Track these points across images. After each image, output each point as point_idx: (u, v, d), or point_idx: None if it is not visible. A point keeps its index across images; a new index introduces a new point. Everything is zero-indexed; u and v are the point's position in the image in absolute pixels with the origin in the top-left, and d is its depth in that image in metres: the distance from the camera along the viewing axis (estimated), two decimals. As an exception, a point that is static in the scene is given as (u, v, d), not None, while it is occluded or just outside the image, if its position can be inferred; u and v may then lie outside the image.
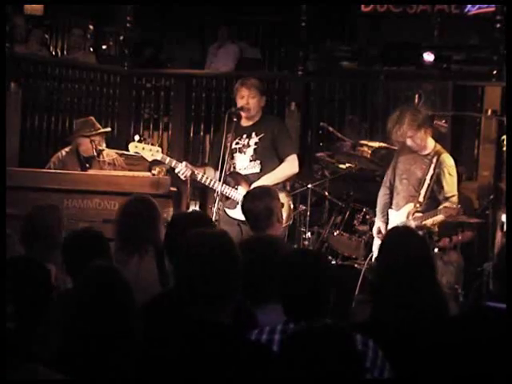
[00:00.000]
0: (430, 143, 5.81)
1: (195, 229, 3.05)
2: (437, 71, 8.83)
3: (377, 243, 5.91)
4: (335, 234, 7.01)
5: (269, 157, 5.95)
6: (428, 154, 5.75)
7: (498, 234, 6.86)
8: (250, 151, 5.99)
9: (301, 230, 6.93)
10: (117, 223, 4.47)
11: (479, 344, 2.76)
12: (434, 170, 5.68)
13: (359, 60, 9.59)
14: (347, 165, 7.10)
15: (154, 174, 6.53)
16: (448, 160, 5.79)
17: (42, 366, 2.51)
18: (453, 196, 5.78)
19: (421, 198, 5.67)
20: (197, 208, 7.05)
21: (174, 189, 6.58)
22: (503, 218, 6.43)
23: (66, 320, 2.87)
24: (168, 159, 5.98)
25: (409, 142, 5.74)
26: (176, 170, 5.94)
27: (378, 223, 5.98)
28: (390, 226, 5.74)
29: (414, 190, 5.74)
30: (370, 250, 7.10)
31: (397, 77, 8.87)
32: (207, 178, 5.92)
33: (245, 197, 4.97)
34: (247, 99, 5.96)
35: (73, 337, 2.78)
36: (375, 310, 3.38)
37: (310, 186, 6.88)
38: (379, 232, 5.90)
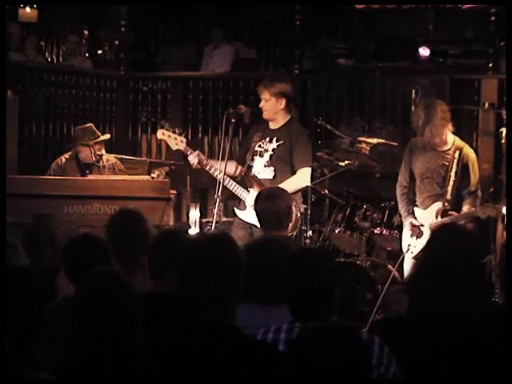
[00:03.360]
0: (450, 137, 5.63)
1: None
2: (433, 66, 8.82)
3: (409, 239, 5.72)
4: (336, 231, 6.99)
5: (282, 165, 5.92)
6: (448, 150, 5.59)
7: (499, 227, 6.86)
8: (266, 156, 5.98)
9: (302, 228, 6.92)
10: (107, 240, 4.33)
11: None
12: (458, 165, 5.51)
13: (355, 57, 9.59)
14: (346, 162, 7.08)
15: (153, 178, 6.53)
16: (471, 153, 5.62)
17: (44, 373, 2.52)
18: (476, 190, 5.67)
19: (448, 196, 5.51)
20: (196, 211, 7.00)
21: (174, 191, 6.59)
22: (503, 210, 6.43)
23: (68, 327, 2.86)
24: (187, 150, 6.03)
25: (437, 139, 5.55)
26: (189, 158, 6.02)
27: (409, 219, 5.68)
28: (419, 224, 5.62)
29: (439, 187, 5.58)
30: (372, 247, 7.11)
31: (393, 73, 8.86)
32: (215, 169, 5.90)
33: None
34: (263, 102, 5.99)
35: (75, 344, 2.78)
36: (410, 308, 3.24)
37: (309, 184, 6.87)
38: (414, 226, 5.64)
